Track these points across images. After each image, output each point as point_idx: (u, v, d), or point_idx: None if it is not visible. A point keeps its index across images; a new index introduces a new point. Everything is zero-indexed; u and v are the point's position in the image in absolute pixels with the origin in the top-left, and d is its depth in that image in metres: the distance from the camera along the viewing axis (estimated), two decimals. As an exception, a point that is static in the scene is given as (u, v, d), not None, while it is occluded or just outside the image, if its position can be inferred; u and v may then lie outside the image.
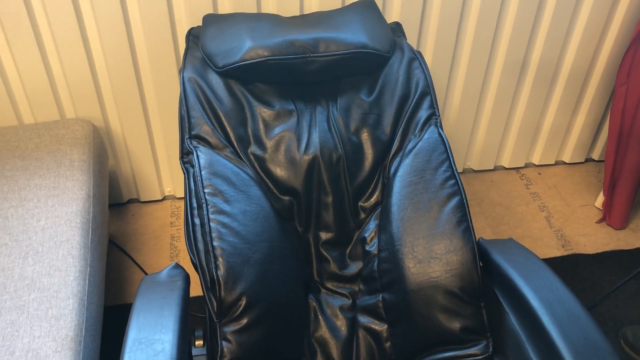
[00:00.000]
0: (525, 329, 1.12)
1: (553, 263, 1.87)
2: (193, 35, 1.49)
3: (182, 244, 1.91)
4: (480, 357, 1.19)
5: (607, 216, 2.04)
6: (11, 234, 1.33)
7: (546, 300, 1.07)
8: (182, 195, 2.07)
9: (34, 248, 1.30)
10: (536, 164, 2.28)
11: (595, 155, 2.30)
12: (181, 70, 1.37)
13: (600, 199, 2.10)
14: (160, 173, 2.00)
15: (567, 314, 1.05)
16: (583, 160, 2.31)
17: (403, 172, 1.32)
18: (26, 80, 1.67)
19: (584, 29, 1.92)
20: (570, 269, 1.86)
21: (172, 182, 2.03)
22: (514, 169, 2.27)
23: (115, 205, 2.03)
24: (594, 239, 1.98)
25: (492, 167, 2.26)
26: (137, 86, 1.75)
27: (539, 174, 2.24)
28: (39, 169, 1.49)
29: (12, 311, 1.17)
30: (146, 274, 1.81)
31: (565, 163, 2.30)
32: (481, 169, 2.25)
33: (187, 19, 1.65)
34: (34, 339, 1.13)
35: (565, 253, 1.92)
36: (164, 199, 2.07)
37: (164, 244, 1.90)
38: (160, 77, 1.75)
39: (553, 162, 2.29)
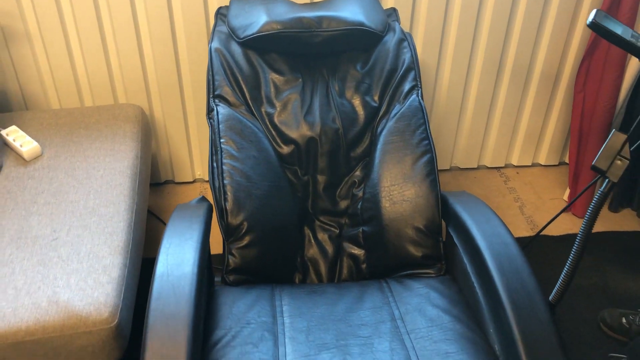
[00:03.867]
0: (466, 252, 1.44)
1: (522, 242, 2.18)
2: (220, 14, 1.81)
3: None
4: (433, 275, 1.52)
5: (572, 206, 2.35)
6: (77, 179, 1.71)
7: (477, 221, 1.40)
8: (210, 179, 2.44)
9: (95, 189, 1.68)
10: (515, 164, 2.56)
11: (568, 159, 2.58)
12: (209, 42, 1.70)
13: (567, 193, 2.40)
14: (192, 158, 2.37)
15: (493, 233, 1.37)
16: (557, 163, 2.58)
17: (387, 132, 1.62)
18: (90, 70, 2.07)
19: (550, 34, 2.18)
20: (537, 248, 2.17)
21: (202, 166, 2.40)
22: (495, 168, 2.57)
23: (154, 184, 2.41)
24: (559, 224, 2.28)
25: (475, 166, 2.54)
26: (177, 76, 2.12)
27: (517, 173, 2.55)
28: (99, 136, 1.88)
29: (79, 228, 1.54)
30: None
31: (541, 165, 2.58)
32: (466, 167, 2.54)
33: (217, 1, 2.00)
34: (94, 246, 1.49)
35: (533, 235, 2.23)
36: (194, 181, 2.44)
37: (193, 216, 2.26)
38: (195, 65, 2.10)
39: (530, 164, 2.57)
